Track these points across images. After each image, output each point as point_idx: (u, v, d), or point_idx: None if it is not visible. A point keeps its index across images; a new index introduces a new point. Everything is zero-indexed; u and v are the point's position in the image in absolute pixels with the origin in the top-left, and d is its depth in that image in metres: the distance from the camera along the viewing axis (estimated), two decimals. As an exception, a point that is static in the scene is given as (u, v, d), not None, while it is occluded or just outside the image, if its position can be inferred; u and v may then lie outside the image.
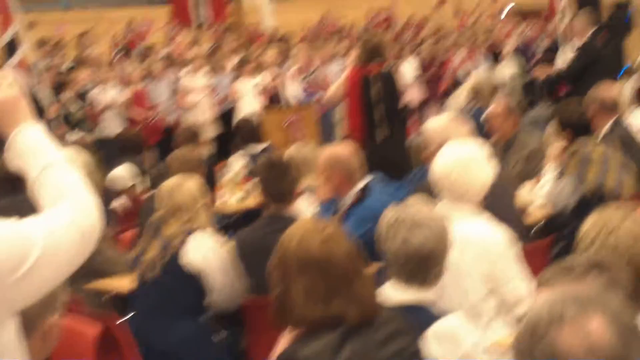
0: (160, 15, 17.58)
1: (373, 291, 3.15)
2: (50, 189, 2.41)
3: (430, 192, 4.90)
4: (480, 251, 4.34)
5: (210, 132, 14.37)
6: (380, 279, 3.82)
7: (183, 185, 5.41)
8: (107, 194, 8.87)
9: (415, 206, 3.88)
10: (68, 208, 2.36)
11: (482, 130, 7.78)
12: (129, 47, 15.67)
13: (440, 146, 5.11)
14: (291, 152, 7.20)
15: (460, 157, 4.73)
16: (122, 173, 8.67)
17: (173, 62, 15.28)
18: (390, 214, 3.82)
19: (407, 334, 3.12)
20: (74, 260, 2.35)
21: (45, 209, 2.38)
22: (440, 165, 4.75)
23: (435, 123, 6.35)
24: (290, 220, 3.88)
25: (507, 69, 18.14)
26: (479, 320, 4.06)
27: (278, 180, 5.46)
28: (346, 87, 9.00)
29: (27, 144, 2.47)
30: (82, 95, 13.51)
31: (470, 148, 4.85)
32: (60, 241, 2.27)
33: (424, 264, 3.71)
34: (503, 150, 7.65)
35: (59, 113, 12.50)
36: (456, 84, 17.16)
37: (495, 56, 18.23)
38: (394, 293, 3.66)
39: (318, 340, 2.94)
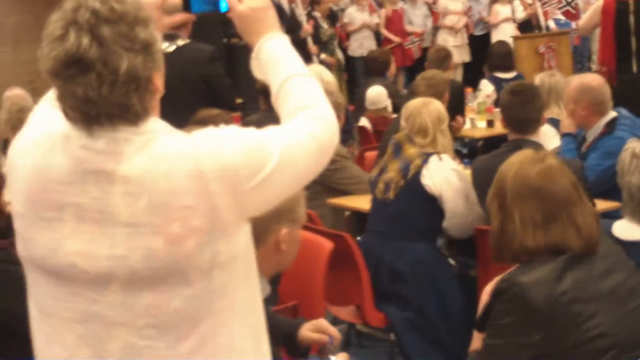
0: None
1: (593, 221, 3.06)
2: (292, 99, 2.44)
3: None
4: None
5: (462, 55, 14.29)
6: (617, 214, 3.74)
7: (427, 107, 5.37)
8: (355, 113, 9.00)
9: (658, 141, 3.74)
10: (307, 120, 2.38)
11: None
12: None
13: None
14: (539, 79, 7.07)
15: None
16: (375, 93, 8.72)
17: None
18: (631, 147, 3.71)
19: (627, 269, 3.06)
20: (309, 172, 2.38)
21: (286, 119, 2.42)
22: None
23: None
24: (531, 148, 3.80)
25: None
26: None
27: (522, 108, 5.37)
28: (601, 16, 8.68)
29: (273, 54, 2.51)
30: (334, 14, 13.68)
31: None
32: (297, 153, 2.30)
33: (663, 202, 3.59)
34: None
35: (312, 31, 12.70)
36: None
37: None
38: (627, 228, 3.57)
39: (539, 267, 2.92)
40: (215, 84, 6.31)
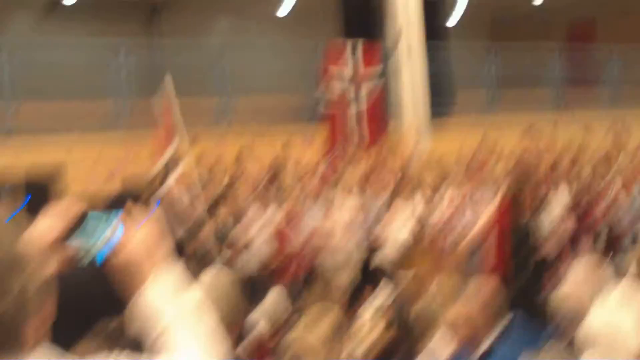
0: (318, 134, 17.80)
1: None
2: (169, 345, 2.45)
3: (563, 350, 4.75)
4: None
5: (354, 259, 14.25)
6: None
7: (312, 332, 5.39)
8: (243, 330, 8.92)
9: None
10: None
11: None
12: (284, 167, 15.87)
13: (577, 302, 4.99)
14: (420, 304, 7.11)
15: (605, 317, 4.56)
16: (260, 315, 8.67)
17: (326, 184, 15.38)
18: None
19: None
20: None
21: None
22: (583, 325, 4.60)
23: (573, 276, 6.17)
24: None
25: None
26: None
27: (405, 336, 5.43)
28: (488, 230, 8.90)
29: (149, 307, 2.52)
30: (237, 214, 13.71)
31: (616, 304, 4.67)
32: None
33: None
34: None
35: (211, 234, 12.70)
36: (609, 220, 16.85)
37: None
38: None
39: None
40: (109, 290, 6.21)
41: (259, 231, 13.65)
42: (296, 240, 13.79)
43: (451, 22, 20.98)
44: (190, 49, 20.22)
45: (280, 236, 13.75)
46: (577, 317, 4.86)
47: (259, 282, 10.66)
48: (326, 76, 18.08)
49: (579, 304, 5.01)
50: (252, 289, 10.23)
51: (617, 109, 21.89)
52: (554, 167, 17.16)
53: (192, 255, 11.23)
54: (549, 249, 9.29)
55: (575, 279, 6.10)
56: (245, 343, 8.48)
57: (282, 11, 26.11)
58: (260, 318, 8.67)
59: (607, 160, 18.08)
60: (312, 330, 5.42)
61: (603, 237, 16.45)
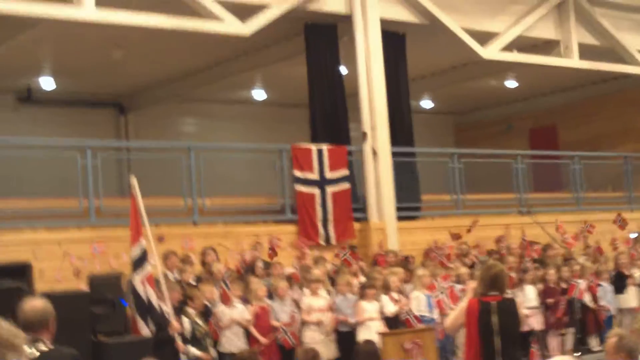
0: (287, 232, 17.81)
1: None
2: None
3: None
4: None
5: (329, 352, 14.25)
6: None
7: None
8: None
9: None
10: None
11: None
12: (254, 263, 15.86)
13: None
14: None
15: None
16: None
17: (297, 280, 15.38)
18: None
19: None
20: None
21: None
22: None
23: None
24: None
25: (633, 298, 17.88)
26: None
27: None
28: (465, 316, 8.86)
29: None
30: (208, 310, 13.67)
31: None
32: None
33: None
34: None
35: (181, 329, 12.62)
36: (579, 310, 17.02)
37: (619, 283, 18.06)
38: None
39: None
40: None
41: (229, 325, 13.64)
42: (268, 331, 13.80)
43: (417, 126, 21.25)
44: (157, 149, 20.34)
45: (252, 329, 13.79)
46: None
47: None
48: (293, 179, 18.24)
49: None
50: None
51: (579, 212, 22.14)
52: (518, 269, 17.29)
53: (158, 352, 11.14)
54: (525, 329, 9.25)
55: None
56: None
57: (251, 113, 26.37)
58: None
59: (571, 261, 18.27)
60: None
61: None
